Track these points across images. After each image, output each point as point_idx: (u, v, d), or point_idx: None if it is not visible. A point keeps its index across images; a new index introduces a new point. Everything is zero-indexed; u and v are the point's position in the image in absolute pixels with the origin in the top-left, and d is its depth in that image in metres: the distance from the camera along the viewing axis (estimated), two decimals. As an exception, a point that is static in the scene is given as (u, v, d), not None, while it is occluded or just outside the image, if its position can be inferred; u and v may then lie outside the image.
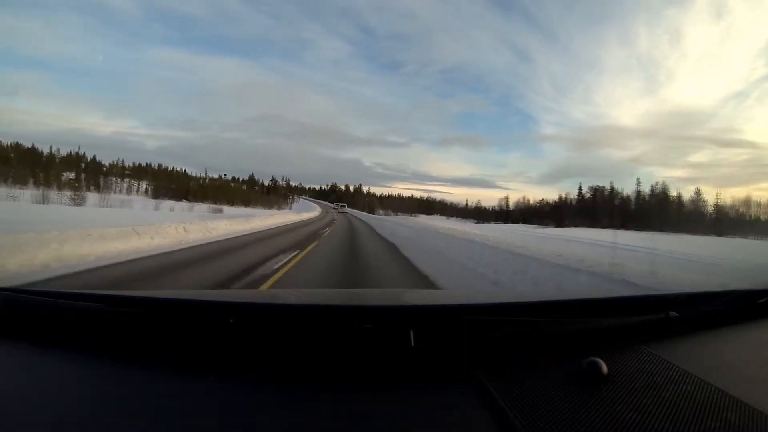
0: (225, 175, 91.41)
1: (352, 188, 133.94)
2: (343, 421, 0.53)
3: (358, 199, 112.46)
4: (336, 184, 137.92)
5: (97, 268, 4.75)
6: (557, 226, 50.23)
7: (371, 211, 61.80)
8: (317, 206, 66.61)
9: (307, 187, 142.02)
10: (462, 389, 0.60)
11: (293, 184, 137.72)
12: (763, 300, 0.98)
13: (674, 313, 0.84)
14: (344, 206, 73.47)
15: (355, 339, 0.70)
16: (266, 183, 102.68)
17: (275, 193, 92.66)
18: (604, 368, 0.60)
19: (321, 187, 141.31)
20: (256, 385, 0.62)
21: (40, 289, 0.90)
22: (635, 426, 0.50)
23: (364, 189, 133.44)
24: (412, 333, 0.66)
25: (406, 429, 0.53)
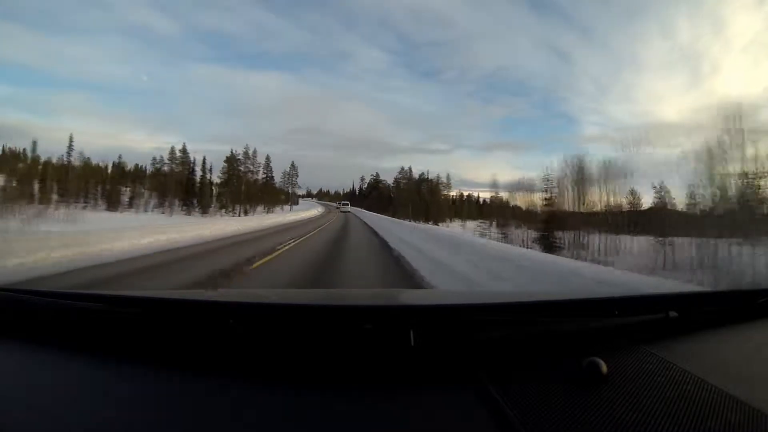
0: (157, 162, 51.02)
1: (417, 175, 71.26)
2: (343, 422, 0.53)
3: (441, 203, 63.87)
4: (378, 176, 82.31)
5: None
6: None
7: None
8: (297, 215, 34.28)
9: (342, 191, 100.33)
10: (461, 389, 0.60)
11: (329, 190, 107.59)
12: (763, 300, 0.98)
13: (674, 313, 0.84)
14: (347, 204, 56.04)
15: (355, 339, 0.70)
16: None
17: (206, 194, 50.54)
18: (604, 368, 0.60)
19: (360, 187, 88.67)
20: (255, 386, 0.62)
21: (41, 289, 0.90)
22: (635, 426, 0.50)
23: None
24: (411, 333, 0.67)
25: (406, 428, 0.53)
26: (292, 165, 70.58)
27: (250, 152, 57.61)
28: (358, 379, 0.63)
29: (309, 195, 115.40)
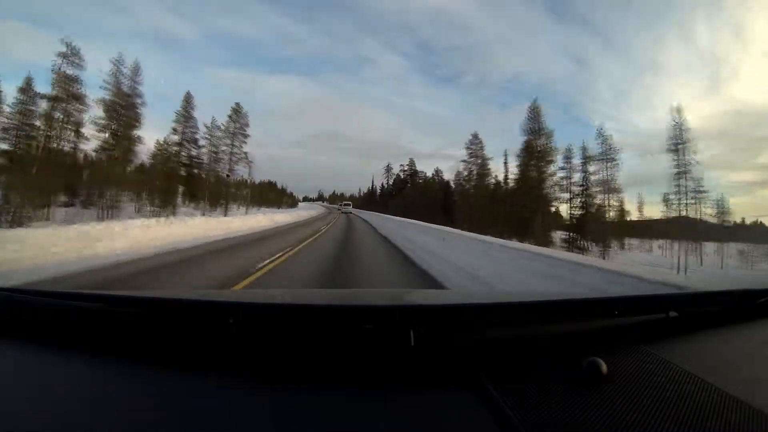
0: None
1: (473, 171, 33.64)
2: (342, 422, 0.53)
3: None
4: (413, 164, 54.55)
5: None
6: None
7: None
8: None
9: (360, 193, 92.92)
10: (461, 389, 0.60)
11: (344, 192, 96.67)
12: (763, 300, 0.98)
13: (674, 313, 0.84)
14: (348, 205, 47.52)
15: (356, 339, 0.70)
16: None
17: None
18: (604, 368, 0.60)
19: (382, 185, 67.50)
20: (255, 386, 0.62)
21: (41, 289, 0.90)
22: (635, 426, 0.50)
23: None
24: (412, 333, 0.67)
25: (406, 429, 0.53)
26: (236, 109, 33.15)
27: (126, 65, 24.24)
28: (358, 380, 0.63)
29: (320, 198, 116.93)
